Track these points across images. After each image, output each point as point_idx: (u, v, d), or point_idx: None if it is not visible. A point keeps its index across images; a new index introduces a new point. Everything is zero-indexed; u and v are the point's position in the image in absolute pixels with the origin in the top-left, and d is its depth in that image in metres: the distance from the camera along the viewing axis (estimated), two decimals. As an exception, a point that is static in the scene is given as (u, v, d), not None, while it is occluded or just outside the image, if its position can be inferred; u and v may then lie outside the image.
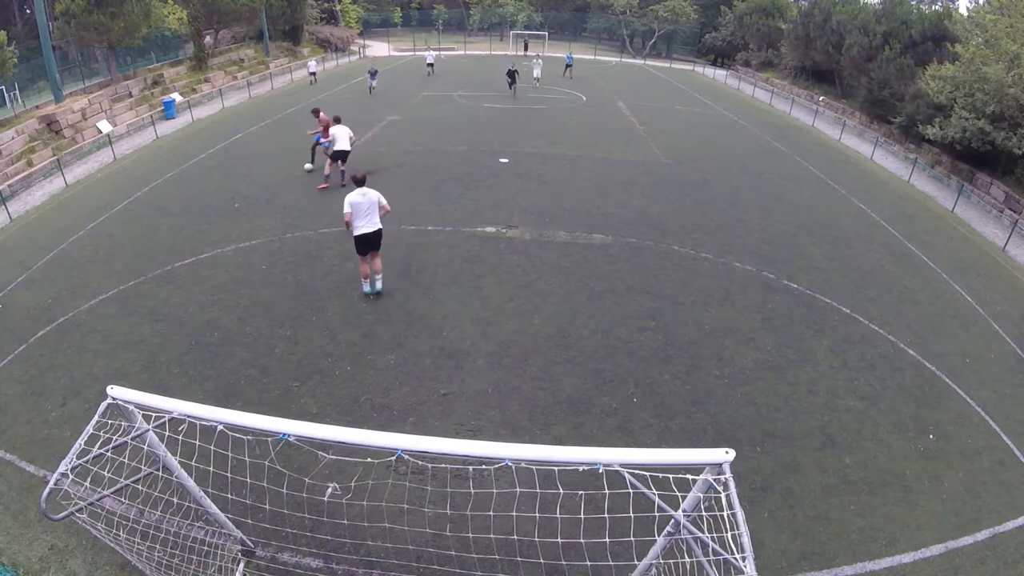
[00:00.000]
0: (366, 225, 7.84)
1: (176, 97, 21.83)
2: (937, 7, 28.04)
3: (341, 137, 12.19)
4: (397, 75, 29.93)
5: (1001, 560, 5.05)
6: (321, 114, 13.46)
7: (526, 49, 43.64)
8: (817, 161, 17.64)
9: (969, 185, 16.33)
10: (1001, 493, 5.76)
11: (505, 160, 14.90)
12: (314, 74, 28.47)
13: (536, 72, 27.42)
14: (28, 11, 27.97)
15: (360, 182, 7.87)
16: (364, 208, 7.77)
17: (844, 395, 6.95)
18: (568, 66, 31.20)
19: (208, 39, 27.62)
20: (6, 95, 17.29)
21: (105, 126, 18.18)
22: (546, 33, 46.78)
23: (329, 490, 4.96)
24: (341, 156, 12.45)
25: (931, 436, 6.43)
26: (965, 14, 22.02)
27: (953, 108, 16.39)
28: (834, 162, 18.01)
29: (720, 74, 37.86)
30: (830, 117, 25.15)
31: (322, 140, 13.06)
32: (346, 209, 7.71)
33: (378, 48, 43.15)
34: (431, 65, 30.78)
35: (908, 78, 19.77)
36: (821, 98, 27.28)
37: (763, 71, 34.71)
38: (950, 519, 5.39)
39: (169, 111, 20.73)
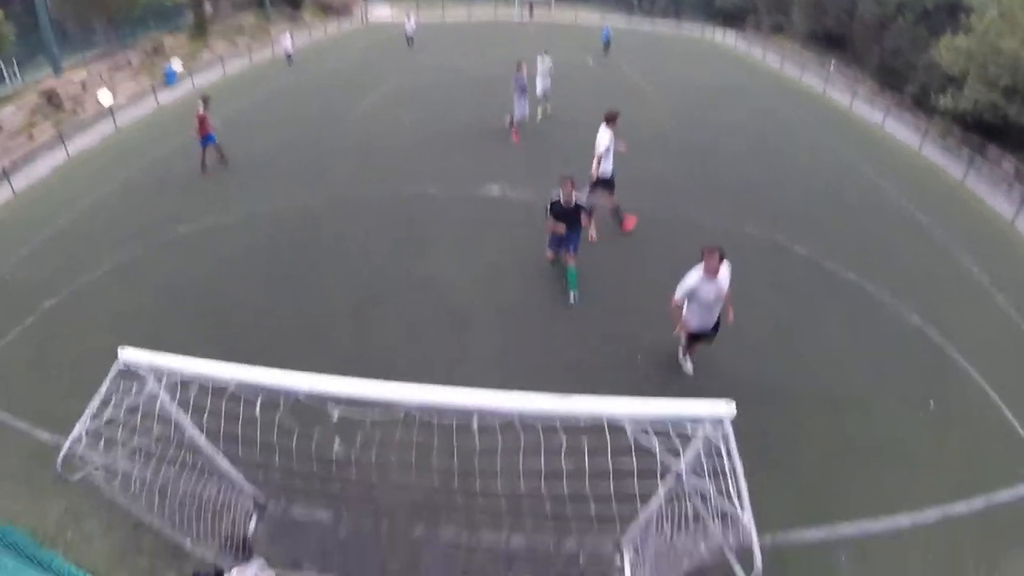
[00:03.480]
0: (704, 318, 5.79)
1: (177, 65, 21.52)
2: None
3: None
4: (398, 42, 29.16)
5: (997, 526, 5.14)
6: (204, 108, 11.51)
7: (531, 14, 42.38)
8: (827, 128, 17.34)
9: (980, 157, 16.05)
10: (1000, 462, 5.82)
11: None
12: (290, 55, 23.00)
13: (542, 85, 15.05)
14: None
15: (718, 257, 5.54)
16: (711, 297, 5.62)
17: (849, 361, 6.99)
18: (606, 45, 27.01)
19: (208, 6, 27.04)
20: (5, 71, 17.06)
21: (106, 97, 17.99)
22: (552, -4, 45.37)
23: (336, 445, 5.05)
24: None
25: (933, 404, 6.48)
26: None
27: (966, 80, 16.04)
28: (844, 129, 17.69)
29: (730, 38, 36.90)
30: (841, 84, 24.58)
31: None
32: (679, 294, 5.63)
33: (380, 12, 42.09)
34: (411, 39, 26.60)
35: (921, 48, 19.29)
36: (832, 64, 26.60)
37: (774, 35, 33.84)
38: (949, 486, 5.46)
39: (170, 79, 20.47)
